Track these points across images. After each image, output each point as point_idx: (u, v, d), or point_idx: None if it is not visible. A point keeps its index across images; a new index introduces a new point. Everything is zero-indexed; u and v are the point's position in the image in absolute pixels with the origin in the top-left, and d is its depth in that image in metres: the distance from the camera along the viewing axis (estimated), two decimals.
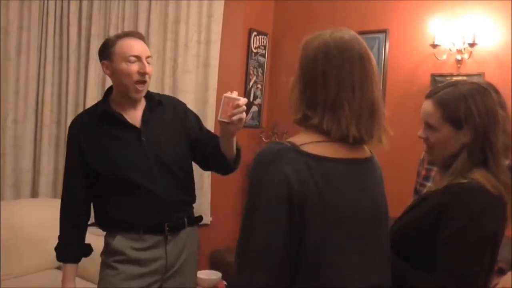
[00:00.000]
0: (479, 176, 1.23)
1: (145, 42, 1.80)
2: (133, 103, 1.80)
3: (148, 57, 1.75)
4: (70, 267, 1.82)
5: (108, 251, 1.78)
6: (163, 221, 1.75)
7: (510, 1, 3.01)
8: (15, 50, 3.25)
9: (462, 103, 1.27)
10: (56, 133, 3.52)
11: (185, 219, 1.83)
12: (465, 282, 1.17)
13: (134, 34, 1.79)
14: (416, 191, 2.01)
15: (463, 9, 3.16)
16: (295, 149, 0.99)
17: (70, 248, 1.83)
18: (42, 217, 2.99)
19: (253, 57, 3.85)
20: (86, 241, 1.88)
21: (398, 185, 2.56)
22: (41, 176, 3.39)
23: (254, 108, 3.95)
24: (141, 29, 3.37)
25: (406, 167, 2.64)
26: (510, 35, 3.02)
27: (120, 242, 1.75)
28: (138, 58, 1.72)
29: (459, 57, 3.14)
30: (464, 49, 3.12)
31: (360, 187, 1.05)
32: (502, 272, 1.84)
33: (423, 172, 2.00)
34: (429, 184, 1.93)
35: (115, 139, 1.76)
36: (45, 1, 3.39)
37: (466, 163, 1.26)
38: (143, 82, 1.73)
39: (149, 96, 1.86)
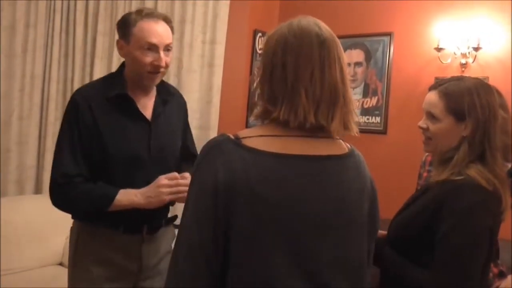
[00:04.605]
0: (474, 172, 1.26)
1: (169, 25, 1.65)
2: (145, 89, 1.69)
3: (167, 45, 1.61)
4: (119, 197, 1.55)
5: (80, 249, 1.66)
6: (142, 221, 1.65)
7: None
8: (21, 47, 3.28)
9: (466, 96, 1.30)
10: None
11: (163, 220, 1.75)
12: (461, 277, 1.18)
13: (158, 15, 1.61)
14: None
15: (468, 13, 3.16)
16: (234, 141, 0.97)
17: (102, 189, 1.58)
18: (46, 213, 3.01)
19: (258, 58, 3.85)
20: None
21: (400, 186, 2.56)
22: (45, 172, 3.41)
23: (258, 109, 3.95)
24: None
25: (409, 168, 2.65)
26: None
27: (94, 240, 1.64)
28: (155, 47, 1.58)
29: (463, 61, 3.14)
30: (469, 53, 3.12)
31: (311, 185, 0.97)
32: (502, 275, 1.85)
33: (425, 174, 2.00)
34: None
35: (122, 124, 1.61)
36: (52, 0, 3.41)
37: (467, 155, 1.29)
38: (157, 73, 1.63)
39: (161, 84, 1.74)
